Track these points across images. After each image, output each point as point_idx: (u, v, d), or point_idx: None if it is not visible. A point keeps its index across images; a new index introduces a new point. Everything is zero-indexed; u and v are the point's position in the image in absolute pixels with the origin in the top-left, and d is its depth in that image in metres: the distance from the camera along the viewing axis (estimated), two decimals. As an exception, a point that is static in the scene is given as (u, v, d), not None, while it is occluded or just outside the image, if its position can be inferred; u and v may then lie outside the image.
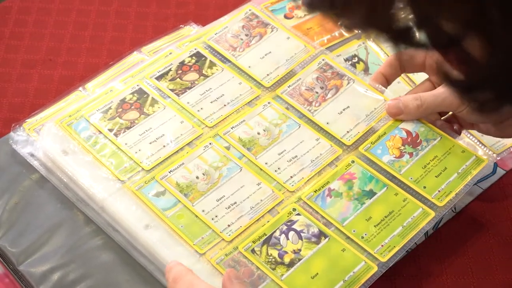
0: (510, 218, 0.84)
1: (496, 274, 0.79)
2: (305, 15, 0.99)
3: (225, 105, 0.85)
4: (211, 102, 0.85)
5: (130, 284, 0.75)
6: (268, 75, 0.88)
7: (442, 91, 0.81)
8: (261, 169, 0.80)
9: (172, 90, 0.86)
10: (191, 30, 0.97)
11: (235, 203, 0.77)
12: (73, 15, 1.02)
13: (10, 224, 0.79)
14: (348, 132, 0.83)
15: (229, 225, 0.75)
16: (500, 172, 0.87)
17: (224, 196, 0.77)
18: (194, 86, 0.86)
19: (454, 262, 0.80)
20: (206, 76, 0.87)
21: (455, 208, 0.83)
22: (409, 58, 0.84)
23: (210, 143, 0.81)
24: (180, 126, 0.83)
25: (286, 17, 0.98)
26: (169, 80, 0.87)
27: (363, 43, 0.96)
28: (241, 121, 0.83)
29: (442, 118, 0.85)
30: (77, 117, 0.83)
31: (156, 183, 0.78)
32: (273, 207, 0.77)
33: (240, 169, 0.80)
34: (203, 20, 0.99)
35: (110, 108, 0.84)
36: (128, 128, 0.82)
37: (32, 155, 0.82)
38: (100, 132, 0.82)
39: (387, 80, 0.86)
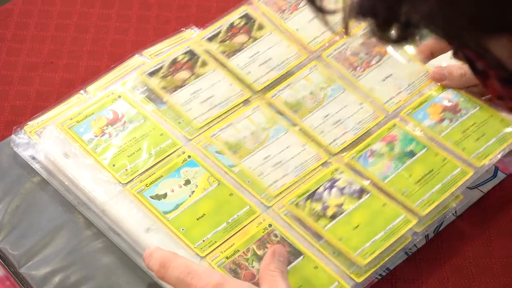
0: (510, 221, 0.84)
1: (497, 277, 0.79)
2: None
3: (272, 69, 0.88)
4: (259, 65, 0.88)
5: (131, 286, 0.75)
6: (314, 38, 0.90)
7: None
8: (305, 132, 0.83)
9: (222, 52, 0.89)
10: (192, 33, 0.97)
11: (281, 162, 0.81)
12: (74, 18, 1.02)
13: (12, 226, 0.79)
14: (390, 99, 0.86)
15: (275, 182, 0.80)
16: (500, 176, 0.87)
17: (270, 155, 0.82)
18: (243, 49, 0.89)
19: (455, 265, 0.80)
20: (255, 39, 0.90)
21: (456, 212, 0.83)
22: None
23: (257, 106, 0.85)
24: (229, 88, 0.86)
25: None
26: (219, 42, 0.90)
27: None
28: (287, 85, 0.86)
29: (483, 98, 0.87)
30: (78, 120, 0.83)
31: (156, 187, 0.78)
32: (317, 167, 0.81)
33: (286, 131, 0.83)
34: (205, 23, 0.98)
35: (162, 67, 0.87)
36: (179, 87, 0.85)
37: (33, 158, 0.82)
38: (148, 104, 0.85)
39: (432, 54, 0.88)
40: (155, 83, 0.86)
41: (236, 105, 0.85)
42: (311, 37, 0.90)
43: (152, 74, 0.87)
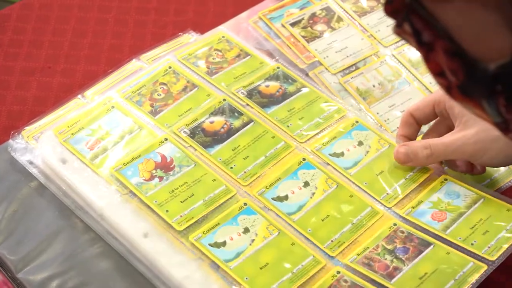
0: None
1: None
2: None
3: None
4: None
5: (129, 291, 0.76)
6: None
7: (453, 140, 0.79)
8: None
9: (354, 11, 1.00)
10: (189, 38, 0.97)
11: (403, 111, 0.88)
12: (72, 23, 1.02)
13: (9, 231, 0.79)
14: None
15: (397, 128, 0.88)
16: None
17: (394, 104, 0.92)
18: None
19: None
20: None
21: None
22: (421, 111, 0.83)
23: (385, 60, 0.95)
24: (361, 42, 0.97)
25: (283, 25, 0.98)
26: (352, 3, 1.00)
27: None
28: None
29: None
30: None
31: (214, 234, 0.76)
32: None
33: (409, 84, 0.93)
34: (202, 28, 0.99)
35: (303, 19, 0.98)
36: (317, 37, 0.97)
37: (30, 162, 0.82)
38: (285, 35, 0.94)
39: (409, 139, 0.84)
40: (296, 32, 0.97)
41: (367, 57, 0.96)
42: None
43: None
